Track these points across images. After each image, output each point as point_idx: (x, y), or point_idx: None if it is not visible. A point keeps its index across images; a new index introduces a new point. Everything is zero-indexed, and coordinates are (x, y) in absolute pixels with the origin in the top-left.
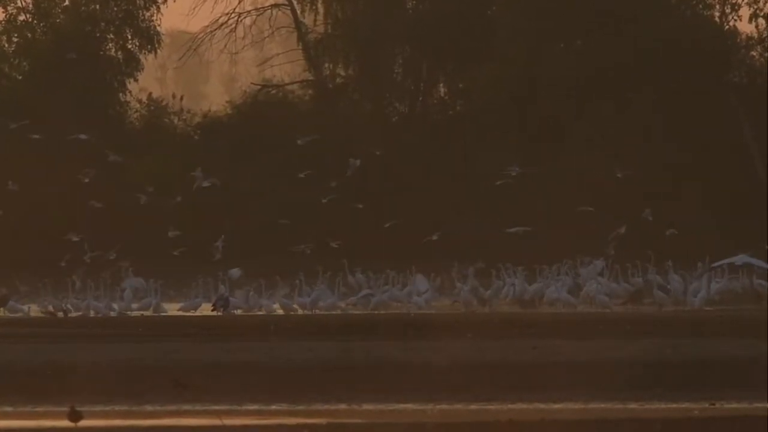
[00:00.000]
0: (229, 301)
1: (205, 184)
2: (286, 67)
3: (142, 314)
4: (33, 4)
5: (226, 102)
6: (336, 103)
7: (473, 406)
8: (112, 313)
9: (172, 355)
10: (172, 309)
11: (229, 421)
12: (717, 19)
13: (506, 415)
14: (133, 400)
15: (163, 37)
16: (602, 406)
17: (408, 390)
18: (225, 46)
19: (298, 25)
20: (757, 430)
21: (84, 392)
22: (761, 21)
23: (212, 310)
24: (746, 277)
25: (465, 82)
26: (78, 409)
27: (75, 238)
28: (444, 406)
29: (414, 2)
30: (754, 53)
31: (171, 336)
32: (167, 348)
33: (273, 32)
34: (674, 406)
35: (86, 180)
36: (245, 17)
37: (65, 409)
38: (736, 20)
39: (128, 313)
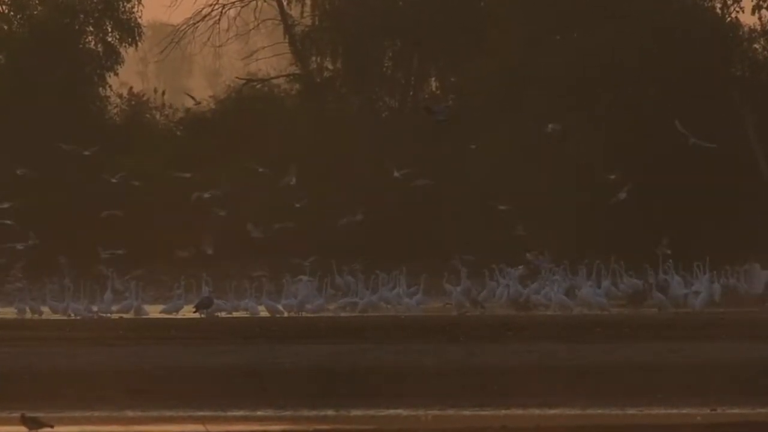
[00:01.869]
0: (212, 302)
1: (206, 195)
2: (272, 60)
3: (121, 317)
4: None
5: (210, 96)
6: (323, 98)
7: (466, 412)
8: (93, 316)
9: (153, 358)
10: (154, 311)
11: (213, 428)
12: (718, 11)
13: (500, 421)
14: (113, 405)
15: (144, 29)
16: (600, 412)
17: (398, 395)
18: (208, 38)
19: (285, 16)
20: None
21: (63, 397)
22: (764, 12)
23: (194, 312)
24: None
25: (457, 76)
26: (30, 415)
27: (32, 242)
28: (436, 412)
29: None
30: (756, 46)
31: (152, 339)
32: (148, 351)
33: (258, 24)
34: (674, 411)
35: (114, 180)
36: (229, 9)
37: (43, 414)
38: (738, 12)
39: (108, 315)
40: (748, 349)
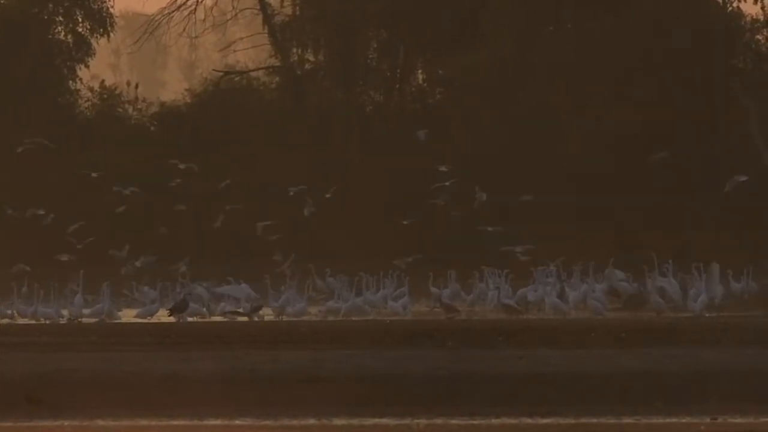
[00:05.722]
0: (188, 305)
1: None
2: (251, 52)
3: (80, 320)
4: None
5: (185, 90)
6: (305, 91)
7: (455, 421)
8: (62, 320)
9: (126, 365)
10: (128, 315)
11: None
12: (720, 0)
13: (493, 430)
14: (83, 415)
15: (116, 19)
16: (594, 421)
17: (385, 403)
18: (184, 29)
19: (264, 6)
20: None
21: (29, 406)
22: (767, 2)
23: (169, 315)
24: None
25: (445, 68)
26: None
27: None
28: (425, 421)
29: None
30: (759, 37)
31: (125, 344)
32: (121, 357)
33: (236, 14)
34: (673, 420)
35: (94, 175)
36: None
37: (9, 424)
38: (740, 1)
39: (79, 319)
40: (751, 355)
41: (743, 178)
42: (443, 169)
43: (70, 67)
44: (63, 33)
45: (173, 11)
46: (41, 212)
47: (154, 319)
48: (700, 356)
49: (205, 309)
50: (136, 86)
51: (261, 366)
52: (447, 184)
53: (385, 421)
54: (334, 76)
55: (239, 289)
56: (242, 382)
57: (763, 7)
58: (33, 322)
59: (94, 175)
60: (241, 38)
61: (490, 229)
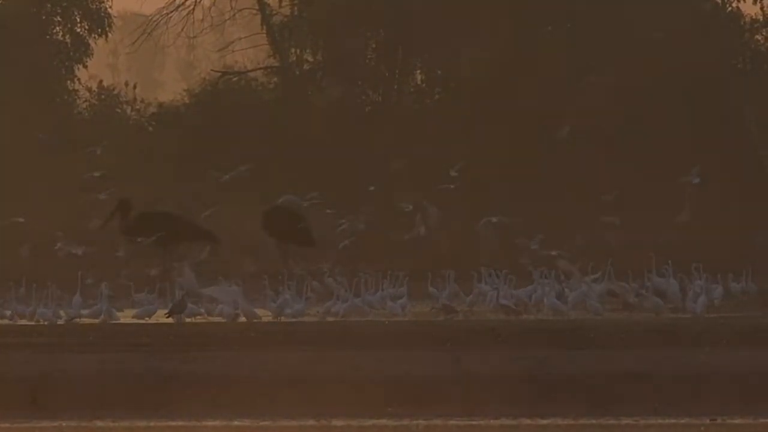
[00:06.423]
0: (186, 305)
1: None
2: (249, 52)
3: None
4: None
5: (184, 90)
6: (303, 91)
7: (453, 422)
8: (60, 321)
9: (123, 366)
10: (126, 316)
11: None
12: (718, 1)
13: (491, 430)
14: (82, 416)
15: (114, 19)
16: (593, 422)
17: (384, 404)
18: (182, 29)
19: (262, 6)
20: None
21: (27, 407)
22: (767, 2)
23: (167, 317)
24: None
25: (444, 68)
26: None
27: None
28: (423, 422)
29: None
30: (759, 37)
31: (123, 345)
32: (118, 358)
33: (234, 14)
34: (672, 421)
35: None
36: None
37: (7, 424)
38: (740, 1)
39: (77, 320)
40: (751, 356)
41: (696, 180)
42: (453, 173)
43: (68, 67)
44: (61, 33)
45: (171, 11)
46: (21, 220)
47: (152, 320)
48: (700, 357)
49: (203, 309)
50: (134, 86)
51: (260, 366)
52: (452, 186)
53: (384, 421)
54: (332, 76)
55: (226, 291)
56: (242, 384)
57: (762, 7)
58: (32, 323)
59: (96, 174)
60: (240, 38)
61: (494, 220)
